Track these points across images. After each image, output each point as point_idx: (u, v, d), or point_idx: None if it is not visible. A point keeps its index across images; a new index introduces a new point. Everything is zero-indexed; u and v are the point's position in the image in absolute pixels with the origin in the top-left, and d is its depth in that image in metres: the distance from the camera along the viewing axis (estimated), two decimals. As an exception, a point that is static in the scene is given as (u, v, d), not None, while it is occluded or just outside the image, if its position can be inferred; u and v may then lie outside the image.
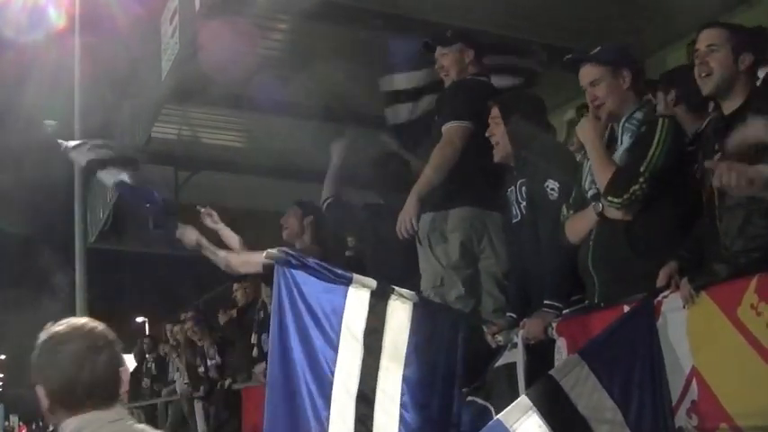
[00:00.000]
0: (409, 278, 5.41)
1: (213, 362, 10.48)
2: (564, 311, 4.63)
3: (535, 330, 4.53)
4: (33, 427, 54.40)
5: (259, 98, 9.90)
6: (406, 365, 4.69)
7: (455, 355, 4.82)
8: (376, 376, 4.65)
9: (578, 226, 4.43)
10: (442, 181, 5.27)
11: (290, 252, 4.74)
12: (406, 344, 4.73)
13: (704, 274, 3.63)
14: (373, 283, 4.77)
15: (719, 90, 3.87)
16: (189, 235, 5.72)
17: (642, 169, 4.09)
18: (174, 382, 13.00)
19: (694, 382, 3.66)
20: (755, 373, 3.36)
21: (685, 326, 3.70)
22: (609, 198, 4.19)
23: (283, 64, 9.71)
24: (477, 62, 5.65)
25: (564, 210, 4.55)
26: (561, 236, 4.55)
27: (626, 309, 3.97)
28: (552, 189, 4.72)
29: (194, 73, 9.46)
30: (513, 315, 4.88)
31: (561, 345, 4.42)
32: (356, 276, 4.76)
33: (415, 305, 4.81)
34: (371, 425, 4.57)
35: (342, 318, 4.67)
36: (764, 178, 3.19)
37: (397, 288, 4.78)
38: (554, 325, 4.47)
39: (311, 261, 4.78)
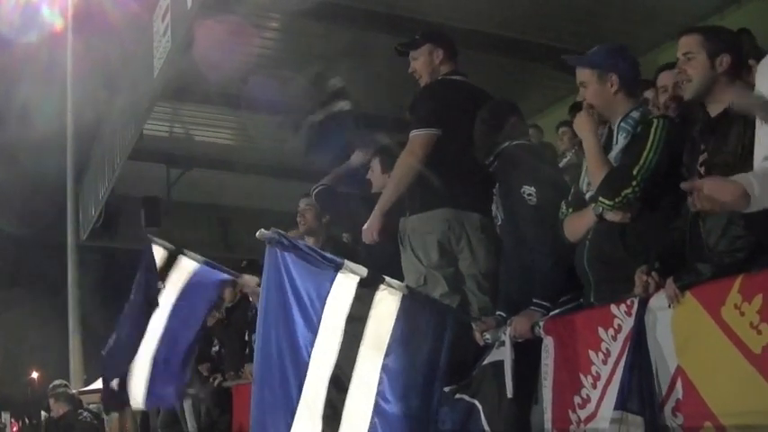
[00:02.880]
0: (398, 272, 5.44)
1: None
2: (552, 312, 4.65)
3: (522, 329, 4.55)
4: (22, 423, 54.24)
5: (251, 96, 9.92)
6: (387, 354, 4.63)
7: (440, 351, 4.77)
8: (354, 363, 4.61)
9: (576, 226, 4.42)
10: (404, 192, 5.33)
11: (282, 233, 4.74)
12: (389, 333, 4.68)
13: (689, 274, 3.65)
14: (364, 270, 4.75)
15: (700, 95, 3.89)
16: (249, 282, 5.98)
17: (635, 172, 4.08)
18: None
19: (679, 381, 3.67)
20: (739, 373, 3.36)
21: (670, 325, 3.71)
22: (601, 199, 4.20)
23: (276, 62, 9.75)
24: (450, 61, 5.59)
25: (563, 207, 4.53)
26: (556, 234, 4.55)
27: (612, 308, 3.98)
28: (530, 195, 4.71)
29: (186, 71, 9.50)
30: (503, 314, 4.90)
31: (548, 344, 4.43)
32: (347, 263, 4.73)
33: (404, 296, 4.78)
34: (342, 409, 4.53)
35: (325, 302, 4.64)
36: (739, 193, 3.22)
37: (387, 278, 4.79)
38: (541, 324, 4.49)
39: (302, 244, 4.79)
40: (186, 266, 6.63)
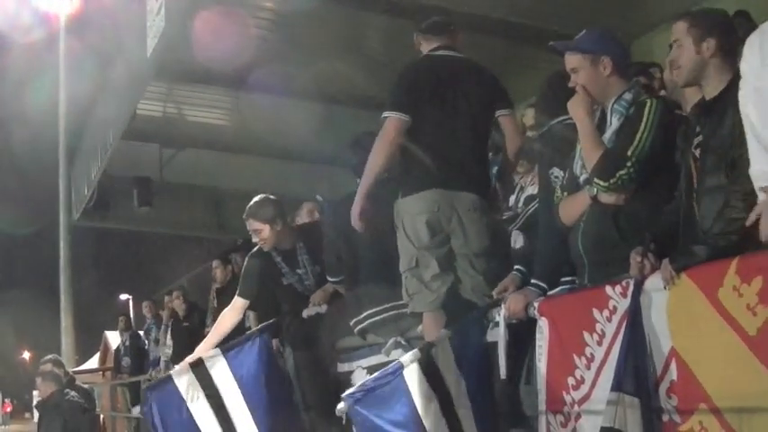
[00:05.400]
0: (391, 262, 5.46)
1: None
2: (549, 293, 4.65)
3: (516, 306, 4.55)
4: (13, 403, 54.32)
5: (246, 77, 9.88)
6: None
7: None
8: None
9: (571, 209, 4.42)
10: (381, 175, 5.34)
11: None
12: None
13: (684, 256, 3.65)
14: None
15: (691, 81, 3.94)
16: None
17: (629, 153, 4.10)
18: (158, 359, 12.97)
19: (674, 362, 3.67)
20: (735, 355, 3.37)
21: (665, 307, 3.72)
22: (596, 180, 4.20)
23: (271, 43, 9.69)
24: (435, 37, 5.56)
25: (558, 191, 4.54)
26: (555, 219, 4.55)
27: (607, 289, 3.98)
28: (556, 177, 4.69)
29: (180, 50, 9.43)
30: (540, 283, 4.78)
31: (543, 325, 4.43)
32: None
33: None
34: None
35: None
36: None
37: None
38: (536, 305, 4.48)
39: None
40: (219, 367, 6.46)
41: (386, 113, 5.30)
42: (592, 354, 4.10)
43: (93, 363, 31.62)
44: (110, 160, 13.26)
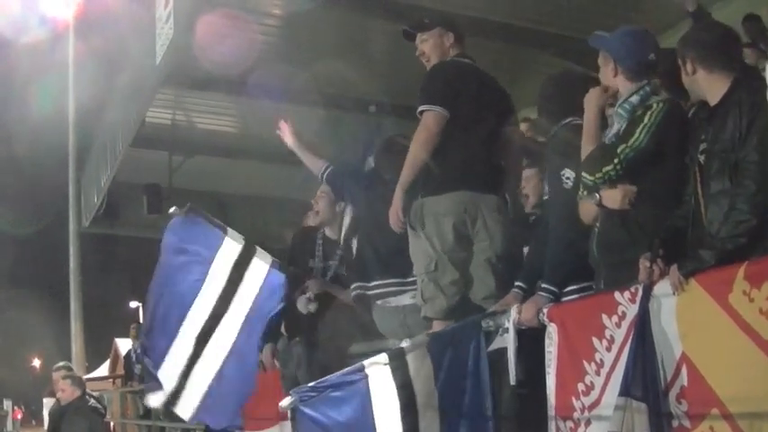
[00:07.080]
0: (406, 257, 5.43)
1: None
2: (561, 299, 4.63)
3: (528, 314, 4.53)
4: (25, 410, 54.16)
5: (254, 83, 9.91)
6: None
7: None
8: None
9: (585, 209, 4.48)
10: (423, 167, 5.20)
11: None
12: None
13: (692, 261, 3.66)
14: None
15: (695, 98, 4.12)
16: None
17: (619, 151, 4.16)
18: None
19: (684, 368, 3.67)
20: (749, 359, 3.36)
21: (675, 312, 3.71)
22: (583, 174, 4.29)
23: (279, 50, 9.73)
24: (459, 44, 5.52)
25: (581, 190, 4.51)
26: (573, 221, 4.56)
27: (616, 295, 3.99)
28: (568, 178, 4.66)
29: (189, 58, 9.47)
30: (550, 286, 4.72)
31: (552, 330, 4.42)
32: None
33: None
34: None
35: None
36: None
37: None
38: (545, 311, 4.48)
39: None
40: (259, 269, 6.17)
41: (425, 107, 5.20)
42: (601, 359, 4.09)
43: (103, 370, 31.69)
44: (119, 167, 13.30)
